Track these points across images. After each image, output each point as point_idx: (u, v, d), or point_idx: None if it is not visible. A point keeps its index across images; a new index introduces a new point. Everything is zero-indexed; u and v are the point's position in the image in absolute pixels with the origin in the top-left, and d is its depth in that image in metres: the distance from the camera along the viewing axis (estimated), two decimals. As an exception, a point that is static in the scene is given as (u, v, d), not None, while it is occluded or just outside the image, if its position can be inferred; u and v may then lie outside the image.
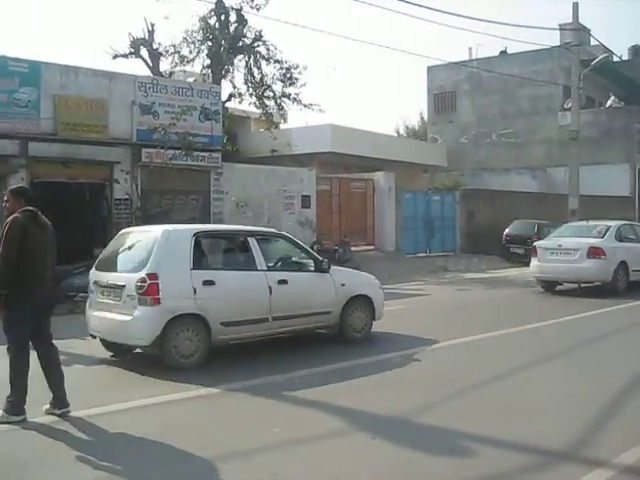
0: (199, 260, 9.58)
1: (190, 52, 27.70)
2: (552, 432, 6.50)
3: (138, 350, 9.64)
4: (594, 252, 17.28)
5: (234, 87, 28.39)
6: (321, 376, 8.74)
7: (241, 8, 27.20)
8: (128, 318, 8.94)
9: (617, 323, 13.05)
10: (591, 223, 19.12)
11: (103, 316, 9.49)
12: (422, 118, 56.85)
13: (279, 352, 10.39)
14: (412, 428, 6.74)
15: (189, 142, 20.40)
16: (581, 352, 10.51)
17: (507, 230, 28.76)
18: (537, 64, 41.88)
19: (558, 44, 38.75)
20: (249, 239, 10.14)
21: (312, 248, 22.47)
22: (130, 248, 10.03)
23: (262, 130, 30.24)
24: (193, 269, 9.22)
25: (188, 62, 28.02)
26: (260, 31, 27.82)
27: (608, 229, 18.20)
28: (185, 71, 28.68)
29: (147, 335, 8.92)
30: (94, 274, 9.96)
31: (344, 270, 12.10)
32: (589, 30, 38.93)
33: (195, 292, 9.09)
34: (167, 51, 27.56)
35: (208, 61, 27.72)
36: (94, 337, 9.94)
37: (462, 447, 6.18)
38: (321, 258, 10.89)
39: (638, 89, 46.92)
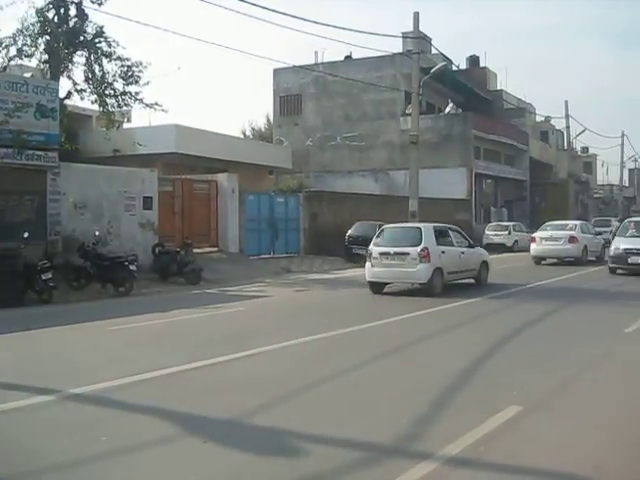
0: (438, 241, 18.10)
1: (27, 45, 26.58)
2: (383, 428, 6.66)
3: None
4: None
5: (74, 84, 27.47)
6: (153, 381, 8.62)
7: (81, 2, 26.37)
8: (413, 270, 17.35)
9: (442, 323, 13.52)
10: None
11: (389, 269, 17.83)
12: (268, 120, 57.14)
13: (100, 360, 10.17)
14: (245, 430, 6.72)
15: (22, 140, 19.56)
16: (411, 350, 10.85)
17: (349, 231, 29.35)
18: (381, 70, 43.04)
19: (401, 51, 39.93)
20: (449, 231, 19.43)
21: (153, 250, 22.25)
22: (400, 234, 18.78)
23: (102, 128, 29.40)
24: (437, 245, 17.84)
25: (26, 56, 26.88)
26: (102, 27, 27.05)
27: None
28: (19, 65, 27.46)
29: (425, 278, 17.35)
30: (376, 248, 18.09)
31: (478, 248, 21.11)
32: (430, 39, 40.33)
33: (439, 257, 17.67)
34: (1, 42, 26.32)
35: (46, 56, 26.70)
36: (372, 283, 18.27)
37: (293, 447, 6.23)
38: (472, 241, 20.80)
39: (474, 97, 49.16)
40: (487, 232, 38.96)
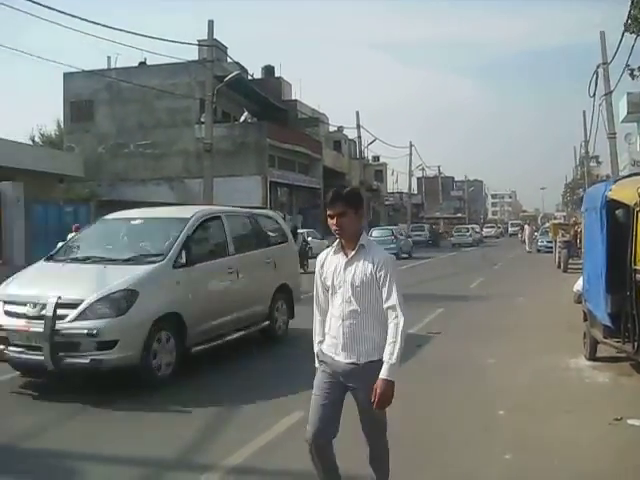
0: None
1: None
2: (169, 440, 6.67)
3: None
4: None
5: None
6: None
7: None
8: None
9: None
10: None
11: None
12: (59, 126, 55.05)
13: None
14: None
15: None
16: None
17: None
18: (176, 77, 42.61)
19: (197, 59, 39.72)
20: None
21: None
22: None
23: None
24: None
25: None
26: None
27: None
28: None
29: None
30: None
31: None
32: (226, 48, 40.53)
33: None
34: None
35: None
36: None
37: (73, 468, 6.13)
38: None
39: (269, 106, 49.81)
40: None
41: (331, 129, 61.82)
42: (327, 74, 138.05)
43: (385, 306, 4.44)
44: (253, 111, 47.83)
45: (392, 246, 37.18)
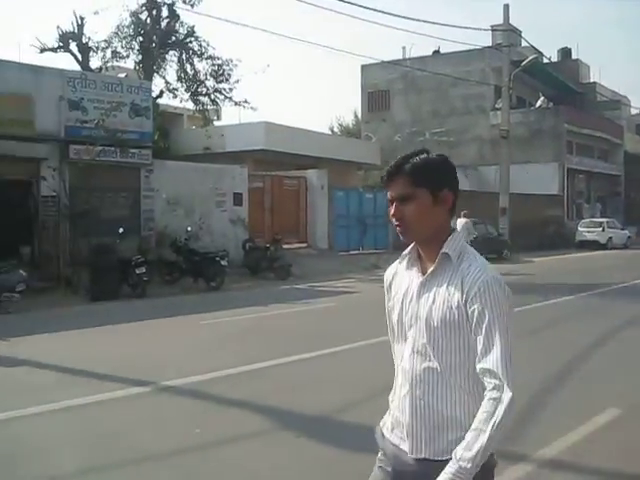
0: None
1: (122, 47, 27.40)
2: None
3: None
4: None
5: (167, 83, 28.18)
6: (244, 376, 8.71)
7: (173, 3, 26.98)
8: None
9: (530, 323, 13.10)
10: None
11: None
12: (356, 116, 57.14)
13: (207, 350, 10.34)
14: (335, 426, 6.75)
15: (121, 139, 20.13)
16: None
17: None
18: (469, 64, 42.47)
19: (490, 45, 39.36)
20: None
21: (244, 246, 22.56)
22: None
23: (194, 127, 29.99)
24: None
25: (121, 58, 27.70)
26: (192, 27, 27.66)
27: None
28: (114, 67, 28.24)
29: None
30: None
31: None
32: (520, 32, 39.62)
33: None
34: (98, 46, 27.18)
35: (139, 57, 27.44)
36: None
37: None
38: None
39: (567, 90, 47.97)
40: (580, 229, 38.05)
41: (633, 112, 58.28)
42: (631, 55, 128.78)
43: (479, 367, 2.44)
44: (548, 95, 46.36)
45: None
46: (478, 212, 28.26)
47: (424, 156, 2.63)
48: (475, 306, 2.43)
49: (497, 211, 27.90)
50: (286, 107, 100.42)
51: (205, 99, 28.11)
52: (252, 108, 29.70)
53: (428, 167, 2.58)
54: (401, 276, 2.68)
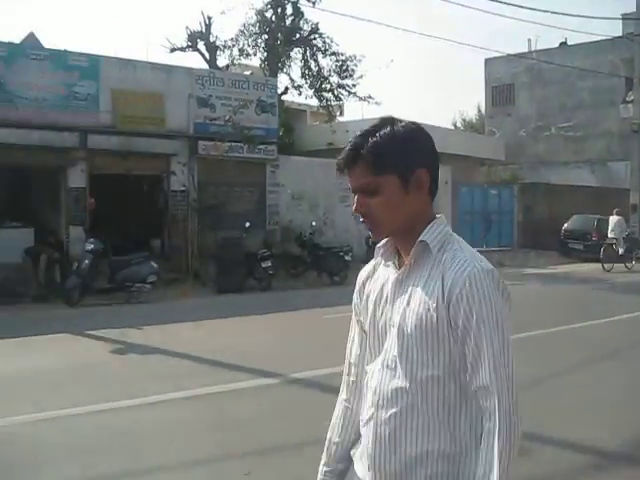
0: None
1: (248, 45, 27.93)
2: (607, 433, 6.39)
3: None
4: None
5: (291, 80, 28.54)
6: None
7: (297, 1, 27.30)
8: None
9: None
10: None
11: None
12: (480, 111, 56.29)
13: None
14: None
15: (249, 135, 20.53)
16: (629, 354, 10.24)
17: (566, 225, 28.15)
18: (598, 55, 41.05)
19: (620, 35, 37.93)
20: None
21: (367, 241, 22.54)
22: None
23: (317, 123, 30.25)
24: None
25: (247, 55, 28.25)
26: (316, 23, 27.91)
27: None
28: (241, 65, 28.82)
29: None
30: None
31: None
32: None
33: None
34: (225, 45, 27.80)
35: (265, 54, 27.90)
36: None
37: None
38: None
39: None
40: None
41: None
42: None
43: (472, 386, 1.90)
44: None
45: None
46: (606, 209, 27.33)
47: (387, 130, 2.00)
48: (461, 306, 1.88)
49: (628, 209, 26.86)
50: (409, 102, 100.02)
51: (329, 95, 28.31)
52: (376, 103, 29.71)
53: (392, 146, 1.98)
54: (377, 275, 2.16)
